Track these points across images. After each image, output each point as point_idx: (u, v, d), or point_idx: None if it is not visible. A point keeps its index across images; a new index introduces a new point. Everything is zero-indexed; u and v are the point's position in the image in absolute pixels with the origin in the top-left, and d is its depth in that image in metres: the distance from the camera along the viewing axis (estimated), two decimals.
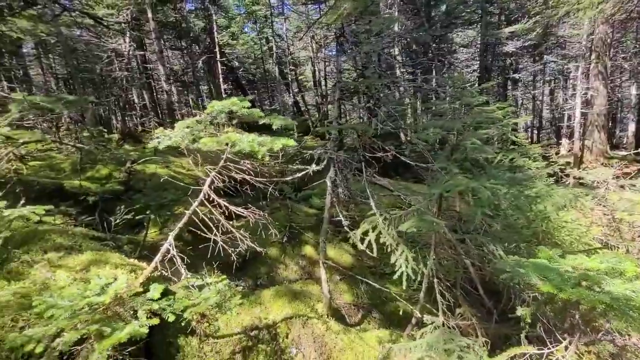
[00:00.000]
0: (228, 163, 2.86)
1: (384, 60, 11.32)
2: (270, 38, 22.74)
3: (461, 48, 21.39)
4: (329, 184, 3.95)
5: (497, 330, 4.09)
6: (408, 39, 18.37)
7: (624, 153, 14.14)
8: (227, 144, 2.40)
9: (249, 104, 2.59)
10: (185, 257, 3.50)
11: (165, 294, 3.14)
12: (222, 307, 3.68)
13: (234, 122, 2.85)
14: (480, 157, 3.43)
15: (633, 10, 8.95)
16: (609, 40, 11.07)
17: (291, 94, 24.49)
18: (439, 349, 3.10)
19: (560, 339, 2.60)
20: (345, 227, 3.63)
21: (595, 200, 7.93)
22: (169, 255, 3.16)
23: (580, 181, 9.22)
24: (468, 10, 14.66)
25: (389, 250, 3.20)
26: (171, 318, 2.60)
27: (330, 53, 17.84)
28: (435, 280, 3.62)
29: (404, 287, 3.15)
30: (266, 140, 2.36)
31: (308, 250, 6.89)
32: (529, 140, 21.06)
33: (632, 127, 16.87)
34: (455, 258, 4.65)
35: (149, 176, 8.50)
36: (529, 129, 21.96)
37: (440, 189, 2.94)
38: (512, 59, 16.05)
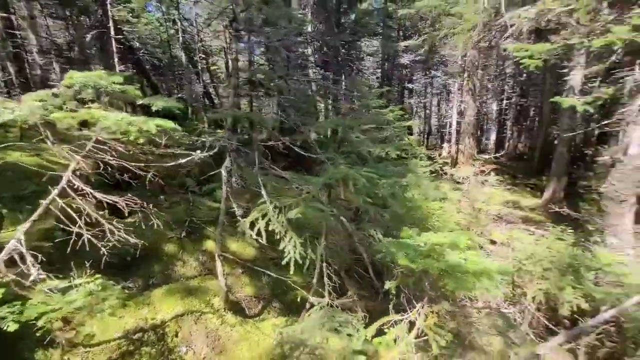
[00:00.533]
0: (96, 145, 2.54)
1: (295, 58, 11.58)
2: (177, 21, 20.79)
3: (368, 56, 23.23)
4: (224, 173, 3.85)
5: (379, 305, 4.63)
6: (320, 42, 19.09)
7: (486, 156, 17.43)
8: (85, 122, 2.12)
9: (121, 79, 2.33)
10: (42, 257, 2.98)
11: (10, 300, 2.63)
12: (94, 310, 3.27)
13: (105, 99, 2.53)
14: (363, 150, 3.81)
15: (492, 40, 11.13)
16: (476, 63, 13.56)
17: (201, 84, 22.88)
18: (322, 326, 3.34)
19: (416, 305, 3.09)
20: (238, 217, 3.60)
21: (461, 192, 9.63)
22: (17, 254, 2.65)
23: (454, 177, 11.11)
24: (372, 22, 16.02)
25: (277, 237, 3.31)
26: (12, 327, 2.19)
27: (243, 45, 17.27)
28: (324, 264, 3.88)
29: (291, 272, 3.29)
30: (138, 120, 2.16)
31: (209, 245, 6.61)
32: (421, 143, 24.22)
33: (493, 136, 21.09)
34: (346, 244, 5.07)
35: (11, 166, 6.94)
36: (422, 134, 25.29)
37: (324, 178, 3.18)
38: (407, 70, 18.22)
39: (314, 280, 4.47)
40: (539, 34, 8.88)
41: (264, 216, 3.26)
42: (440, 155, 16.78)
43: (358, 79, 11.34)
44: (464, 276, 2.69)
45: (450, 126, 16.66)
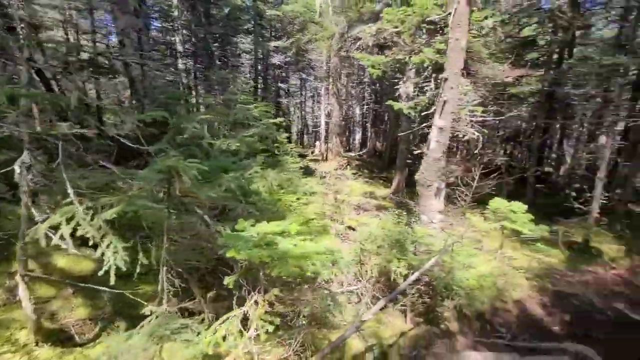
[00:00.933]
0: None
1: (147, 42, 10.29)
2: None
3: (244, 54, 22.79)
4: (17, 170, 3.04)
5: (227, 303, 4.54)
6: (189, 31, 17.66)
7: (352, 154, 19.55)
8: None
9: None
10: None
11: None
12: None
13: None
14: (204, 142, 3.64)
15: (349, 50, 12.51)
16: (339, 70, 15.06)
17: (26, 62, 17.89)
18: (156, 335, 3.04)
19: (255, 296, 3.14)
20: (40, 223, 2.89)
21: (326, 186, 10.53)
22: None
23: (320, 173, 12.05)
24: (243, 19, 15.77)
25: (90, 243, 2.82)
26: None
27: (85, 20, 14.27)
28: (164, 268, 3.55)
29: (112, 282, 2.87)
30: None
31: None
32: (298, 141, 25.47)
33: (358, 136, 24.01)
34: (200, 243, 4.79)
35: None
36: (299, 133, 26.59)
37: (147, 171, 2.88)
38: (280, 70, 18.77)
39: (159, 287, 4.05)
40: (381, 48, 10.48)
41: (69, 220, 2.71)
42: (312, 152, 17.95)
43: (225, 72, 10.89)
44: (291, 261, 2.86)
45: (320, 126, 18.03)
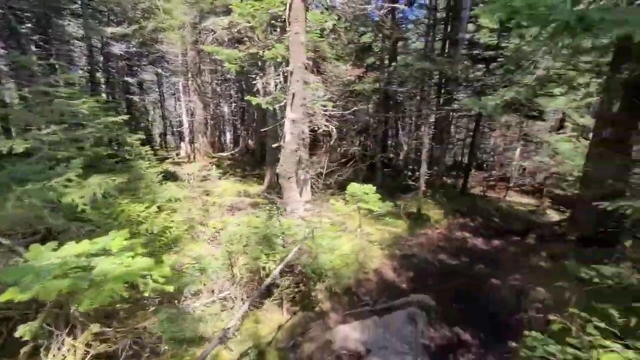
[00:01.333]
0: None
1: None
2: None
3: (76, 40, 18.54)
4: None
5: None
6: None
7: (224, 154, 18.68)
8: None
9: None
10: None
11: None
12: None
13: None
14: None
15: (205, 43, 11.73)
16: (198, 64, 13.99)
17: None
18: None
19: (66, 340, 2.48)
20: None
21: (192, 189, 9.68)
22: None
23: (185, 176, 11.00)
24: None
25: None
26: None
27: None
28: None
29: None
30: None
31: None
32: (162, 143, 22.70)
33: (229, 135, 23.09)
34: None
35: None
36: (162, 134, 23.64)
37: None
38: (126, 62, 16.14)
39: None
40: (238, 43, 10.21)
41: None
42: (178, 154, 16.26)
43: (30, 59, 8.37)
44: (111, 285, 2.36)
45: (182, 125, 16.48)
